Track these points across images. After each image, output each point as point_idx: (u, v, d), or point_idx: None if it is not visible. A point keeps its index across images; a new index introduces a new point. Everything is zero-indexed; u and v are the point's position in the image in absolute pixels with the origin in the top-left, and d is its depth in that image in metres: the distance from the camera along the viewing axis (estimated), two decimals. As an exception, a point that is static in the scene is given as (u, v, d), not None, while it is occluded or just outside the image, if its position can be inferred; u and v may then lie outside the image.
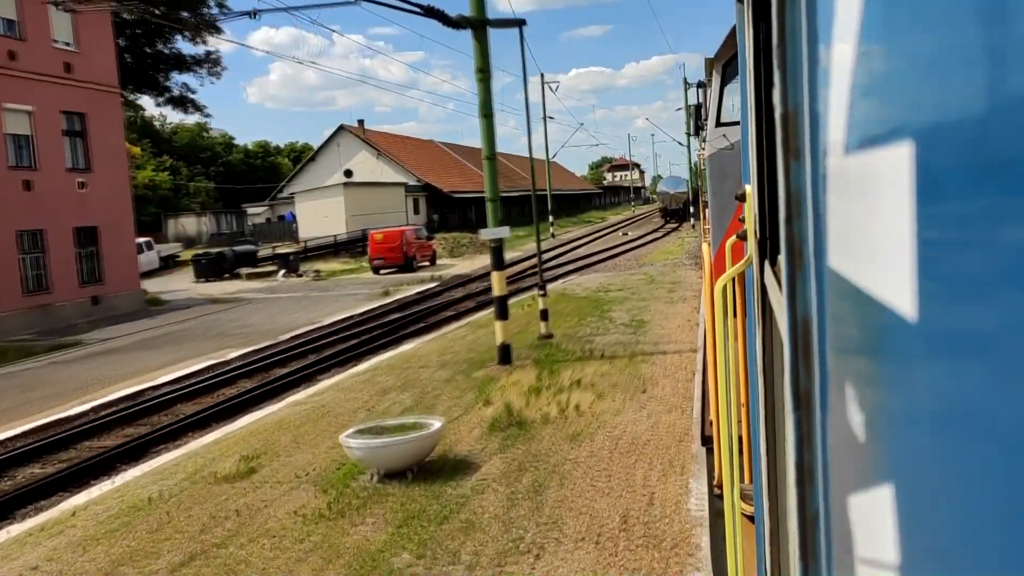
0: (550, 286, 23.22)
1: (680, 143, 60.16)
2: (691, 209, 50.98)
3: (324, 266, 39.41)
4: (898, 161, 0.54)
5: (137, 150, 65.88)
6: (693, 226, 48.42)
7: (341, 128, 64.28)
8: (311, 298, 27.13)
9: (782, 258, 1.12)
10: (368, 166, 61.32)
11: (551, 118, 55.34)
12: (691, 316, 16.47)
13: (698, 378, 10.59)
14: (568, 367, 12.05)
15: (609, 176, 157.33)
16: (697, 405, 9.39)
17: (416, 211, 58.53)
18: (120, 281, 27.87)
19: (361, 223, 48.47)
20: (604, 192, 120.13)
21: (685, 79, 51.67)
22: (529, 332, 15.34)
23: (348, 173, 60.03)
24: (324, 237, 46.95)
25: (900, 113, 0.56)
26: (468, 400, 10.67)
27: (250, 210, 62.09)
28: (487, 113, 12.85)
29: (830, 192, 0.83)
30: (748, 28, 2.15)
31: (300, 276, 35.44)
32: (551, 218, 53.05)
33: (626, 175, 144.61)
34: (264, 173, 76.21)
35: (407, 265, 34.86)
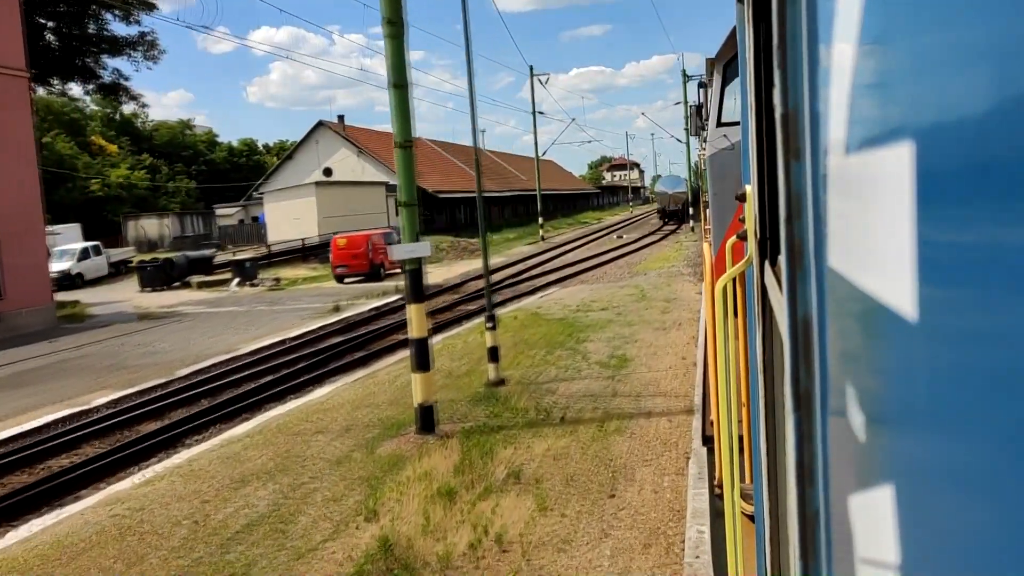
0: (526, 301, 21.22)
1: (679, 140, 56.82)
2: (690, 211, 49.16)
3: (289, 273, 35.98)
4: (898, 161, 0.54)
5: (113, 148, 63.48)
6: (692, 229, 45.88)
7: (320, 124, 60.19)
8: (253, 314, 23.24)
9: (782, 258, 1.12)
10: (348, 164, 58.02)
11: (541, 112, 52.92)
12: (687, 350, 12.67)
13: (698, 382, 10.17)
14: (510, 441, 8.68)
15: (608, 176, 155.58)
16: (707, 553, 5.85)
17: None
18: (26, 295, 23.83)
19: (336, 225, 44.67)
20: (602, 192, 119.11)
21: (684, 71, 49.83)
22: (480, 371, 12.04)
23: (327, 172, 57.29)
24: (293, 241, 43.42)
25: (900, 113, 0.56)
26: (348, 508, 7.28)
27: (221, 211, 58.28)
28: (400, 83, 9.59)
29: (830, 192, 0.83)
30: (748, 28, 2.15)
31: (256, 285, 31.66)
32: (540, 220, 50.82)
33: (625, 175, 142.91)
34: (249, 172, 73.66)
35: (374, 273, 30.97)
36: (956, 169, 0.45)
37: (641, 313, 17.14)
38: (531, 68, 49.74)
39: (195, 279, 33.53)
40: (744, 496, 3.44)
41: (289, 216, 46.78)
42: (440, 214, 61.09)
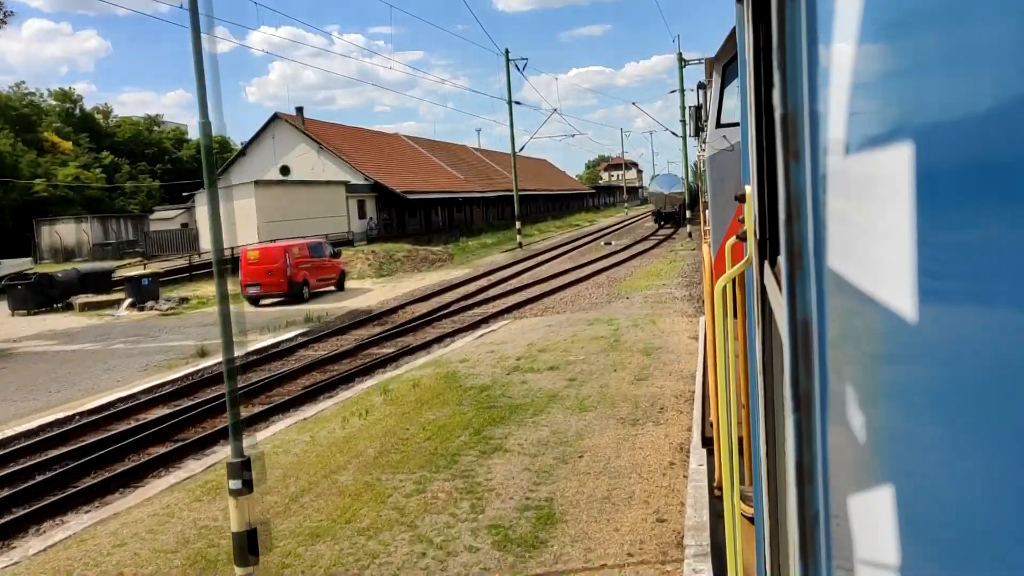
0: (458, 343, 15.63)
1: (675, 134, 52.27)
2: (687, 213, 43.32)
3: (208, 290, 27.88)
4: (898, 162, 0.54)
5: (68, 145, 58.69)
6: (690, 235, 40.04)
7: (276, 117, 53.83)
8: (97, 356, 17.67)
9: (782, 259, 1.12)
10: (308, 161, 52.17)
11: (517, 103, 47.88)
12: (673, 487, 7.18)
13: (698, 379, 10.30)
14: None
15: (605, 175, 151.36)
16: None
17: (362, 215, 49.69)
18: None
19: (282, 231, 38.67)
20: (598, 192, 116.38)
21: (680, 55, 43.28)
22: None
23: (284, 170, 51.41)
24: (225, 249, 37.78)
25: (900, 114, 0.56)
26: None
27: (161, 214, 51.91)
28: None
29: (830, 193, 0.83)
30: (748, 29, 2.16)
31: (151, 308, 25.46)
32: (518, 225, 45.03)
33: (622, 174, 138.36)
34: (221, 171, 69.09)
35: (295, 294, 24.88)
36: (955, 169, 0.45)
37: (605, 378, 11.18)
38: (507, 52, 44.14)
39: (80, 299, 26.64)
40: (744, 499, 3.44)
41: (225, 221, 42.12)
42: (413, 216, 56.12)
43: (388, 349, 16.53)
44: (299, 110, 55.47)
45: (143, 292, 26.05)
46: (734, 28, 4.59)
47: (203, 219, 40.06)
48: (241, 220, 39.43)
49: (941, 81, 0.47)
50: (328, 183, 48.30)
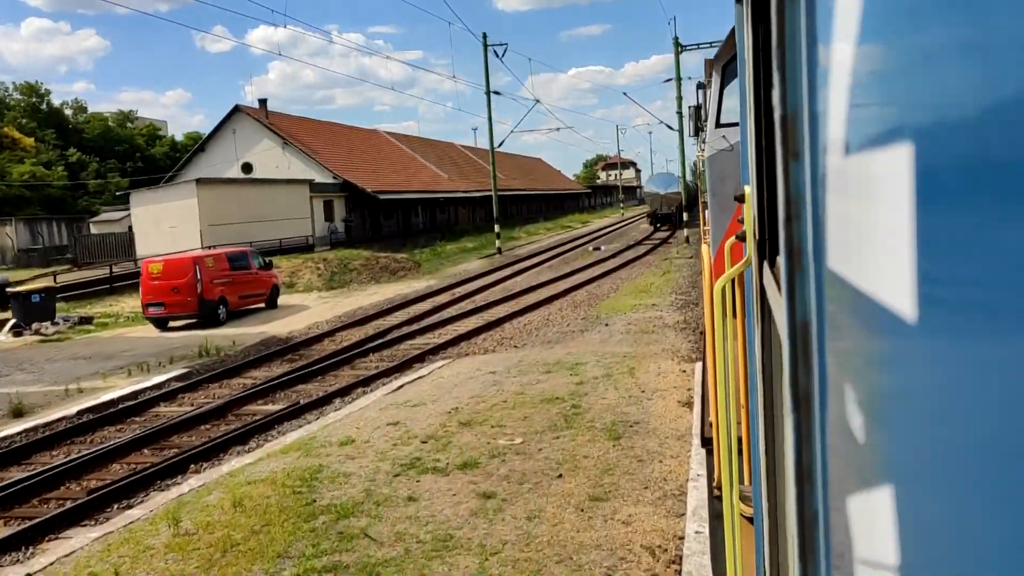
0: (357, 406, 11.04)
1: (670, 127, 48.67)
2: (684, 216, 39.65)
3: (124, 305, 24.70)
4: (897, 162, 0.54)
5: (29, 141, 55.90)
6: (687, 239, 36.32)
7: (237, 110, 48.88)
8: None
9: (781, 259, 1.12)
10: (272, 158, 47.54)
11: (496, 92, 41.54)
12: None
13: (697, 377, 10.20)
14: None
15: (603, 175, 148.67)
16: None
17: (329, 217, 45.48)
18: None
19: (230, 235, 34.19)
20: (594, 192, 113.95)
21: (676, 39, 38.57)
22: None
23: (246, 167, 47.37)
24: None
25: (899, 114, 0.56)
26: None
27: (106, 216, 47.32)
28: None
29: (829, 193, 0.83)
30: (747, 29, 2.16)
31: (36, 332, 20.52)
32: (497, 228, 40.94)
33: (620, 173, 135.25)
34: (178, 168, 63.22)
35: (208, 315, 20.38)
36: (955, 170, 0.45)
37: (540, 498, 6.99)
38: (484, 36, 39.82)
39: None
40: (743, 498, 3.44)
41: (164, 222, 35.57)
42: (390, 218, 51.72)
43: (272, 406, 12.27)
44: (262, 102, 50.16)
45: (32, 310, 20.87)
46: (733, 28, 4.59)
47: (142, 221, 36.72)
48: (182, 224, 35.12)
49: (941, 81, 0.47)
50: (289, 182, 43.45)
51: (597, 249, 37.73)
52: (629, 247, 37.93)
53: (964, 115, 0.43)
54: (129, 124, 70.38)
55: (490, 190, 63.00)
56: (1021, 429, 0.37)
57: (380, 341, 16.89)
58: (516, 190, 72.69)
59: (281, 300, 24.27)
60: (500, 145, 40.13)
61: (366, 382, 13.41)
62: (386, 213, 51.46)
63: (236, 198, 38.63)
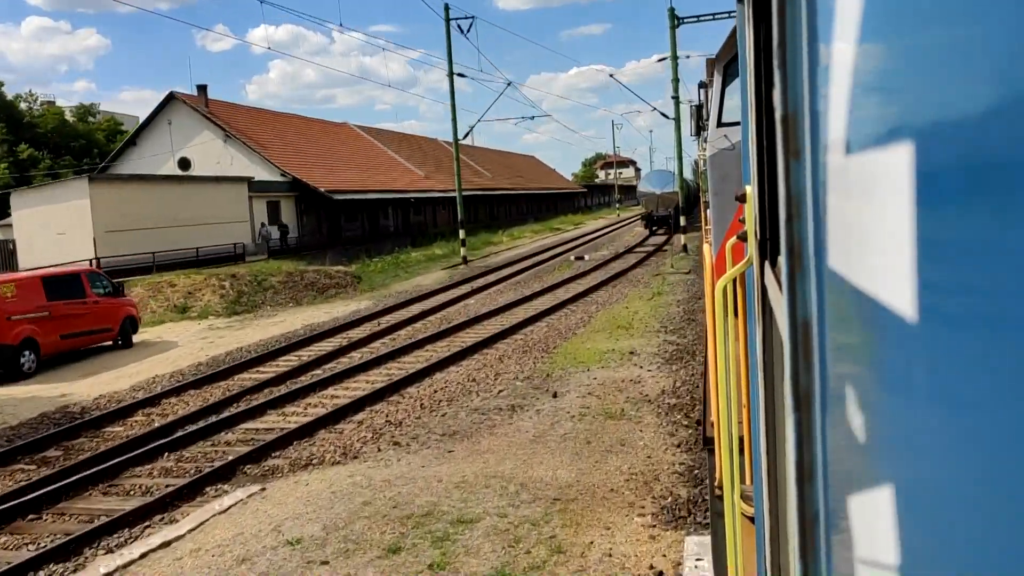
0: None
1: (664, 115, 44.42)
2: (681, 220, 33.95)
3: None
4: (898, 161, 0.54)
5: None
6: (684, 248, 29.98)
7: (172, 97, 42.80)
8: None
9: (782, 259, 1.12)
10: (212, 152, 41.71)
11: (460, 75, 35.24)
12: None
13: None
14: None
15: (602, 174, 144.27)
16: None
17: (275, 220, 39.75)
18: None
19: (135, 243, 29.28)
20: (590, 192, 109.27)
21: (672, 10, 30.98)
22: None
23: (184, 163, 41.99)
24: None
25: (900, 113, 0.56)
26: None
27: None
28: None
29: (830, 193, 0.83)
30: (748, 28, 2.16)
31: None
32: (462, 234, 34.87)
33: (620, 173, 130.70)
34: (106, 163, 57.39)
35: (8, 366, 15.29)
36: (956, 169, 0.45)
37: None
38: (446, 7, 33.66)
39: None
40: (744, 498, 3.44)
41: (52, 228, 29.67)
42: (353, 220, 46.18)
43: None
44: (201, 88, 43.76)
45: None
46: (735, 28, 4.59)
47: (26, 226, 30.70)
48: (72, 230, 29.15)
49: (941, 81, 0.47)
50: (220, 179, 37.31)
51: (580, 259, 32.14)
52: (617, 256, 32.54)
53: (964, 114, 0.43)
54: (91, 119, 66.06)
55: (471, 189, 53.85)
56: (1022, 428, 0.37)
57: (208, 421, 11.33)
58: (504, 189, 68.71)
59: (153, 333, 19.45)
60: (465, 136, 34.01)
61: (95, 535, 7.67)
62: (348, 215, 45.67)
63: (145, 199, 32.11)
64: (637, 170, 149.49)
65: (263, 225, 38.03)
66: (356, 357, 15.31)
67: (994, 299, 0.41)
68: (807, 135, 0.96)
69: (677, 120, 32.14)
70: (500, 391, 11.64)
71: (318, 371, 14.30)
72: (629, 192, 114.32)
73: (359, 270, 31.76)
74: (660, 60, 31.36)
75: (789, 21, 1.08)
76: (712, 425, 6.57)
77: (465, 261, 33.82)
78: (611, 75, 35.94)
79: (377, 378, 13.27)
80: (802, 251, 1.01)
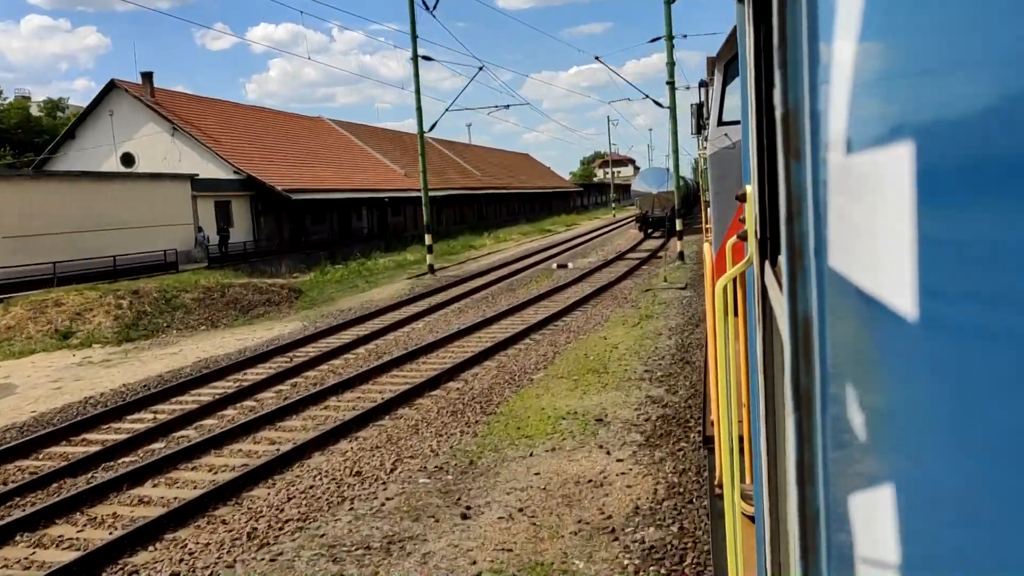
0: None
1: (657, 103, 34.30)
2: (677, 224, 29.44)
3: None
4: (899, 161, 0.54)
5: None
6: (681, 255, 27.06)
7: (113, 86, 38.90)
8: None
9: (782, 258, 1.12)
10: (159, 147, 38.18)
11: (426, 57, 31.41)
12: None
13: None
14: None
15: (600, 173, 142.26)
16: None
17: (226, 222, 36.09)
18: None
19: (39, 249, 25.91)
20: (588, 190, 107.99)
21: None
22: None
23: (127, 159, 38.54)
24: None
25: (901, 112, 0.56)
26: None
27: None
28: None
29: (831, 192, 0.83)
30: (749, 28, 2.15)
31: None
32: (428, 239, 30.17)
33: (618, 171, 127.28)
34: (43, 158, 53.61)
35: None
36: (957, 168, 0.45)
37: None
38: None
39: None
40: (744, 497, 3.44)
41: None
42: (319, 222, 42.57)
43: None
44: (146, 76, 39.37)
45: None
46: (735, 27, 4.59)
47: None
48: None
49: (942, 80, 0.47)
50: (156, 176, 33.27)
51: (563, 267, 27.86)
52: (606, 263, 28.72)
53: (965, 114, 0.43)
54: (60, 113, 62.08)
55: (457, 188, 53.04)
56: (1022, 428, 0.37)
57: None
58: (493, 188, 65.97)
59: (4, 369, 16.00)
60: (431, 129, 30.74)
61: None
62: (315, 216, 41.98)
63: (59, 200, 27.87)
64: (636, 168, 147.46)
65: (199, 229, 34.14)
66: (228, 417, 11.15)
67: (995, 299, 0.41)
68: (807, 134, 0.96)
69: (672, 109, 28.21)
70: (387, 500, 7.61)
71: (158, 443, 10.14)
72: (627, 191, 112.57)
73: (314, 279, 28.51)
74: (653, 41, 27.14)
75: (789, 20, 1.08)
76: (712, 424, 6.58)
77: (432, 270, 29.39)
78: (596, 58, 31.81)
79: (224, 467, 9.08)
80: (802, 250, 1.01)
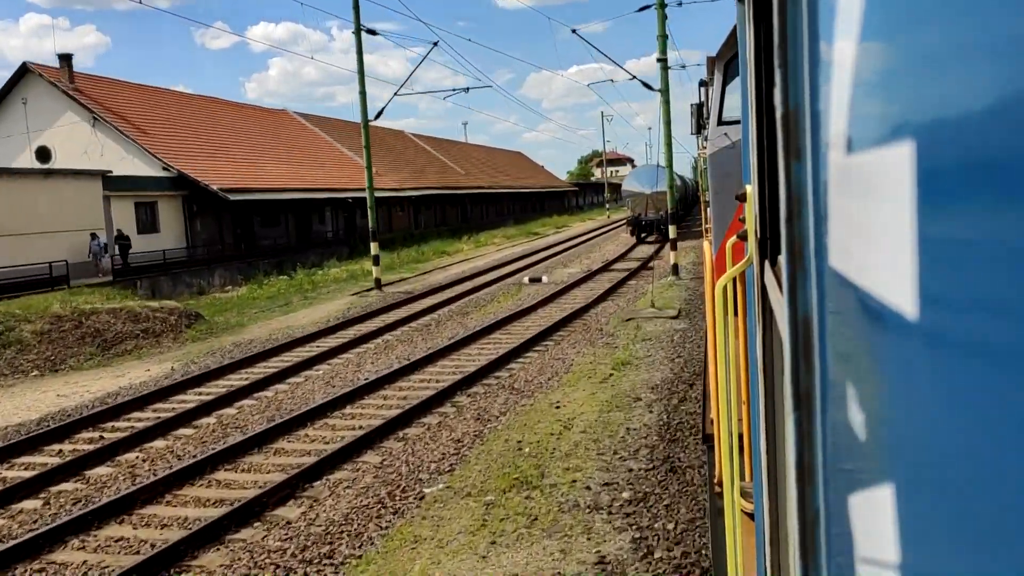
0: None
1: (647, 85, 24.87)
2: (671, 230, 24.45)
3: None
4: (899, 161, 0.54)
5: None
6: (675, 269, 22.70)
7: (27, 70, 34.57)
8: None
9: (782, 258, 1.12)
10: (79, 139, 33.74)
11: (371, 31, 26.37)
12: None
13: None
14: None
15: (598, 172, 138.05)
16: None
17: (151, 226, 32.07)
18: None
19: None
20: (583, 190, 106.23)
21: None
22: None
23: (43, 153, 34.24)
24: None
25: (901, 112, 0.56)
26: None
27: None
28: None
29: (831, 192, 0.83)
30: (749, 27, 2.15)
31: None
32: (374, 248, 25.55)
33: (616, 171, 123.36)
34: None
35: None
36: (957, 168, 0.45)
37: None
38: None
39: None
40: (744, 494, 3.44)
41: None
42: (274, 226, 38.12)
43: None
44: (64, 58, 34.91)
45: None
46: (736, 26, 4.59)
47: None
48: None
49: (942, 79, 0.47)
50: (50, 172, 28.14)
51: (536, 282, 23.94)
52: (589, 274, 24.69)
53: (965, 113, 0.43)
54: None
55: (437, 188, 49.09)
56: (1022, 427, 0.37)
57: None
58: (479, 188, 62.19)
59: None
60: (378, 117, 26.26)
61: None
62: (265, 219, 36.99)
63: None
64: (634, 167, 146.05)
65: (93, 236, 27.81)
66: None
67: (995, 299, 0.41)
68: (808, 134, 0.96)
69: (665, 92, 23.97)
70: None
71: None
72: (618, 191, 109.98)
73: (241, 296, 24.73)
74: (642, 9, 23.86)
75: (790, 20, 1.08)
76: (712, 422, 6.58)
77: (378, 285, 24.87)
78: (573, 30, 26.24)
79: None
80: (803, 250, 1.01)
